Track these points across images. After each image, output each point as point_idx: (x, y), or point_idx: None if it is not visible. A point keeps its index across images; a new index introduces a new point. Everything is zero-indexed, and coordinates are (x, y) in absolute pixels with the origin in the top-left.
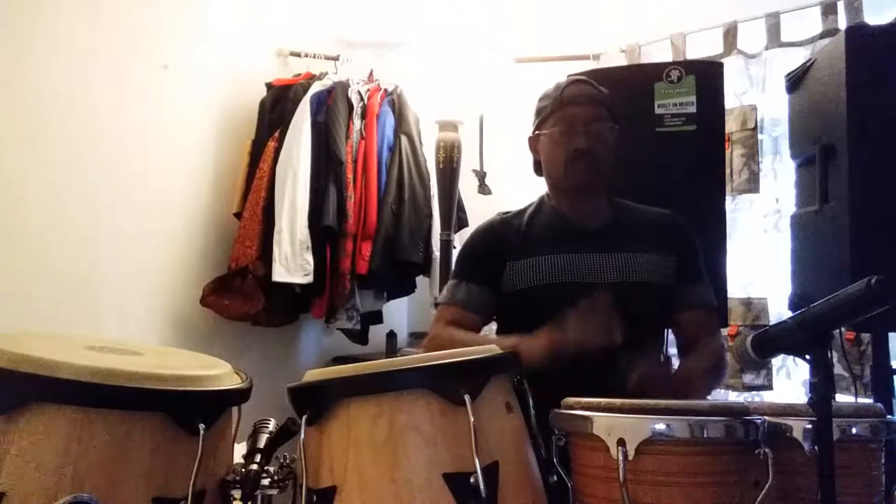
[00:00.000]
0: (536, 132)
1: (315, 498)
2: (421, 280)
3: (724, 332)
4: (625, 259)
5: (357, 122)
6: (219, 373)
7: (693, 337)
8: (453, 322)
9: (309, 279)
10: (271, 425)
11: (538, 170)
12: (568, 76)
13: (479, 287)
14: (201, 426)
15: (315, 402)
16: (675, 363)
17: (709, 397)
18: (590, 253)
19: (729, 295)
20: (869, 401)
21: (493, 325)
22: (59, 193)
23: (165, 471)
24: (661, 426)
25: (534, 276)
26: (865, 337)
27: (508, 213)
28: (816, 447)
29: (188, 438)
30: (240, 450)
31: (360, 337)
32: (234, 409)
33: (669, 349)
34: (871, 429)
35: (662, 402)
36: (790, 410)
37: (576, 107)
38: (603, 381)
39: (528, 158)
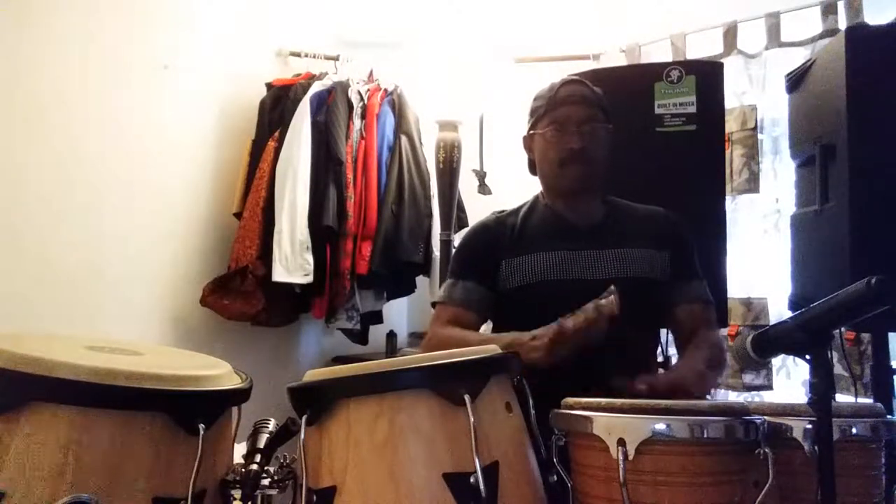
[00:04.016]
0: (531, 132)
1: (315, 498)
2: (421, 280)
3: (724, 331)
4: (619, 255)
5: (357, 122)
6: (219, 373)
7: (690, 331)
8: (451, 321)
9: (309, 279)
10: (271, 425)
11: (532, 169)
12: (567, 76)
13: (475, 285)
14: (201, 426)
15: (315, 402)
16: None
17: (708, 397)
18: (584, 250)
19: (729, 295)
20: (869, 401)
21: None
22: (58, 193)
23: (165, 471)
24: (661, 426)
25: (528, 274)
26: (865, 337)
27: (503, 212)
28: (816, 447)
29: (188, 438)
30: (240, 450)
31: (360, 337)
32: (234, 409)
33: (669, 349)
34: (871, 429)
35: (662, 403)
36: (790, 410)
37: (569, 107)
38: (603, 380)
39: (526, 159)
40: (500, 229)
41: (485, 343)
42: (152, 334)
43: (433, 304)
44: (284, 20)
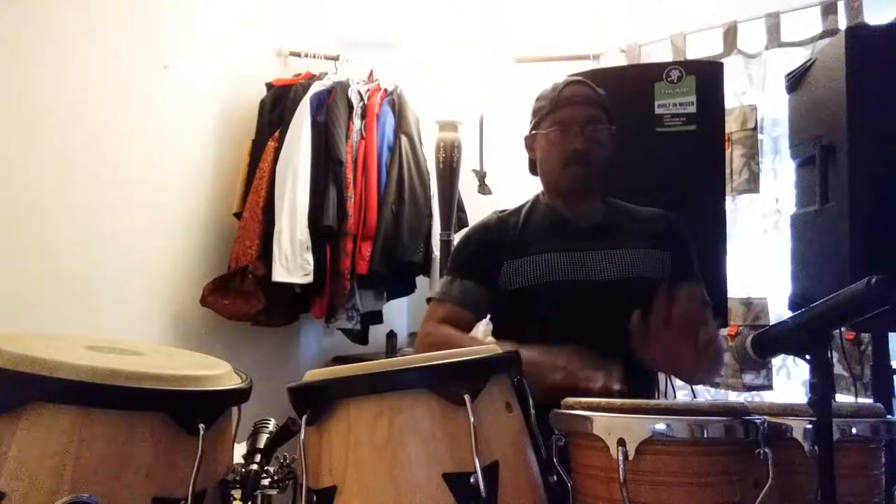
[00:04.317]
0: (533, 132)
1: (315, 498)
2: (421, 280)
3: (724, 331)
4: (620, 255)
5: (357, 122)
6: (219, 373)
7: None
8: (446, 319)
9: (309, 279)
10: (271, 425)
11: (533, 169)
12: (568, 76)
13: (473, 284)
14: (201, 426)
15: (315, 402)
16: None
17: (708, 397)
18: (585, 251)
19: (729, 295)
20: (869, 401)
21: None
22: (58, 193)
23: (165, 471)
24: (661, 426)
25: (531, 275)
26: (865, 337)
27: (504, 211)
28: (816, 447)
29: (188, 438)
30: (240, 450)
31: (360, 337)
32: (234, 409)
33: None
34: (871, 429)
35: (662, 403)
36: (790, 410)
37: (572, 107)
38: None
39: (527, 159)
40: (501, 229)
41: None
42: (152, 334)
43: (428, 300)
44: (284, 20)
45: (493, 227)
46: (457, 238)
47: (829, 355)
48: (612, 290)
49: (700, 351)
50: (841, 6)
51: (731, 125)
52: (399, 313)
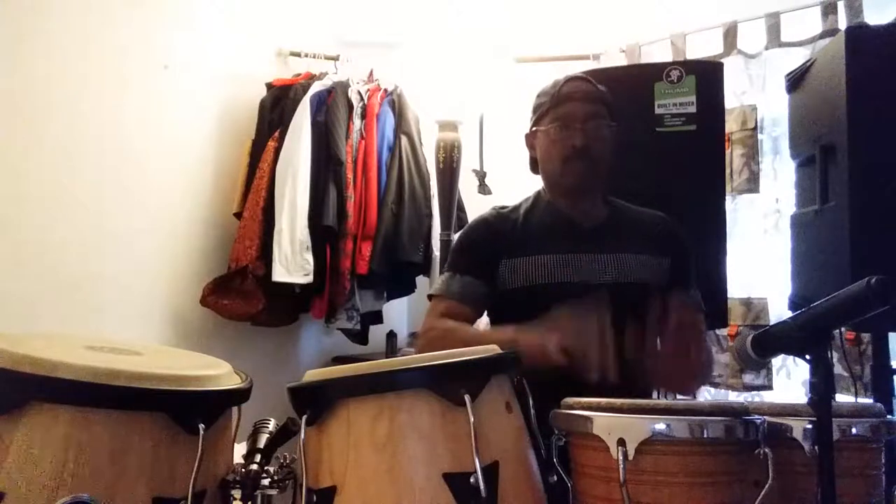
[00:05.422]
0: (534, 129)
1: (315, 498)
2: (421, 280)
3: (724, 332)
4: (620, 259)
5: (357, 122)
6: (219, 373)
7: None
8: (448, 314)
9: (309, 279)
10: (271, 425)
11: (534, 167)
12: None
13: (473, 280)
14: (201, 426)
15: (315, 402)
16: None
17: (708, 397)
18: (585, 253)
19: (729, 295)
20: (869, 401)
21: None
22: (59, 193)
23: (165, 471)
24: (661, 426)
25: (530, 275)
26: (865, 337)
27: (504, 207)
28: (816, 447)
29: (188, 438)
30: (240, 450)
31: (360, 337)
32: (234, 409)
33: None
34: (871, 429)
35: (662, 402)
36: (790, 410)
37: (573, 104)
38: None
39: (528, 157)
40: (500, 225)
41: (484, 337)
42: (152, 334)
43: (429, 297)
44: (284, 20)
45: (492, 223)
46: (456, 238)
47: (829, 355)
48: (610, 294)
49: (694, 368)
50: (841, 6)
51: (731, 125)
52: (399, 313)
